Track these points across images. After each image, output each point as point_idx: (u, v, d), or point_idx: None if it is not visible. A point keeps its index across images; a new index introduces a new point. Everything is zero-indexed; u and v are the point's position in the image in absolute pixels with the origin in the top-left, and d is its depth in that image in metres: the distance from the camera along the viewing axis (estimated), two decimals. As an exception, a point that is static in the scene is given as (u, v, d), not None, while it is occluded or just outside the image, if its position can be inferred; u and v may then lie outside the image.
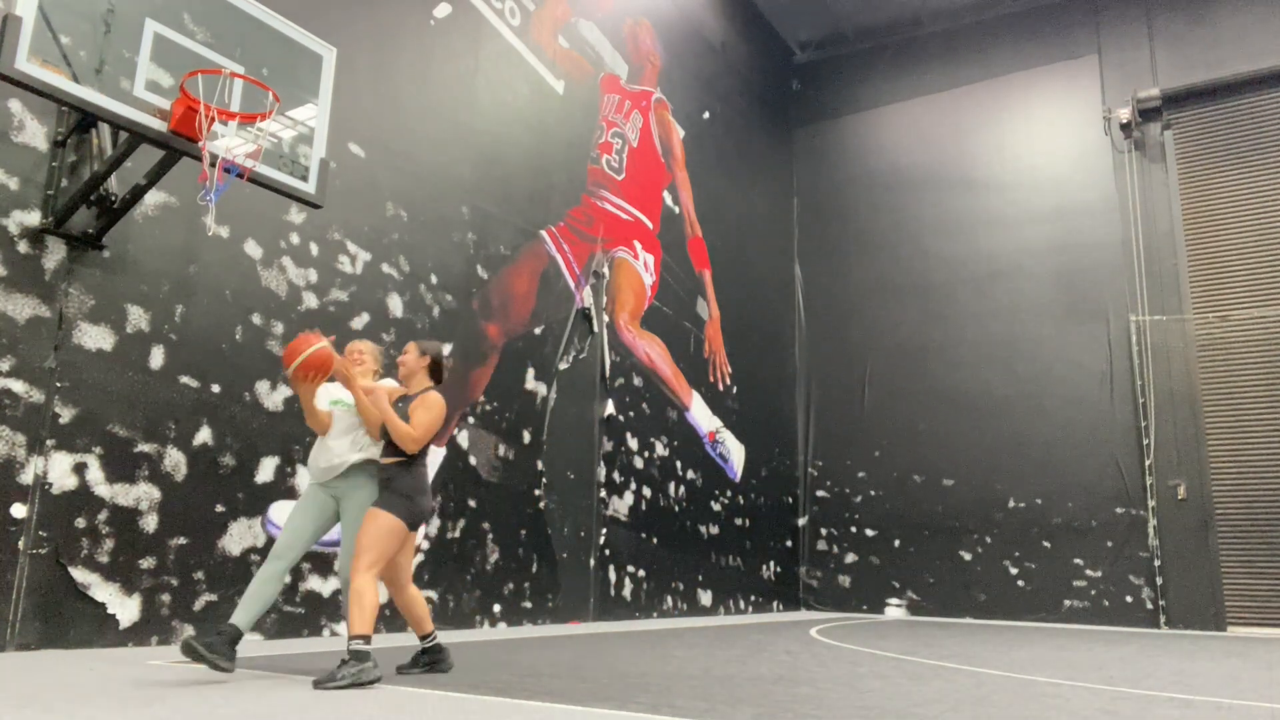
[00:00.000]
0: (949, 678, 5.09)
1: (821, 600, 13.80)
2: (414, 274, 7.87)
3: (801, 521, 14.17)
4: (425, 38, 8.31)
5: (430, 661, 4.57)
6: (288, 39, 5.72)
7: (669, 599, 10.74)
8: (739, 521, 12.45)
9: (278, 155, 5.63)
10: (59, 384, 5.39)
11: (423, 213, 8.05)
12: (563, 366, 9.54)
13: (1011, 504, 12.68)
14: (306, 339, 4.23)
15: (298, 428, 6.71)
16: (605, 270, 10.35)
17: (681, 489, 11.24)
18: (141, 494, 5.72)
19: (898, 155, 14.63)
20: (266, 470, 6.47)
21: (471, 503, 8.18)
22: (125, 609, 5.55)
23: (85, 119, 5.45)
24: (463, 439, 8.18)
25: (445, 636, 7.10)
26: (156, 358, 5.90)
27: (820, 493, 14.13)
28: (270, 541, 6.43)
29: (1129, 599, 11.72)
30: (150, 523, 5.74)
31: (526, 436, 8.94)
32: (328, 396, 4.63)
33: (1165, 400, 11.96)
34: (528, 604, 8.65)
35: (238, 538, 6.22)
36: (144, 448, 5.76)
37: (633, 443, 10.44)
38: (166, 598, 5.77)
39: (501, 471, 8.58)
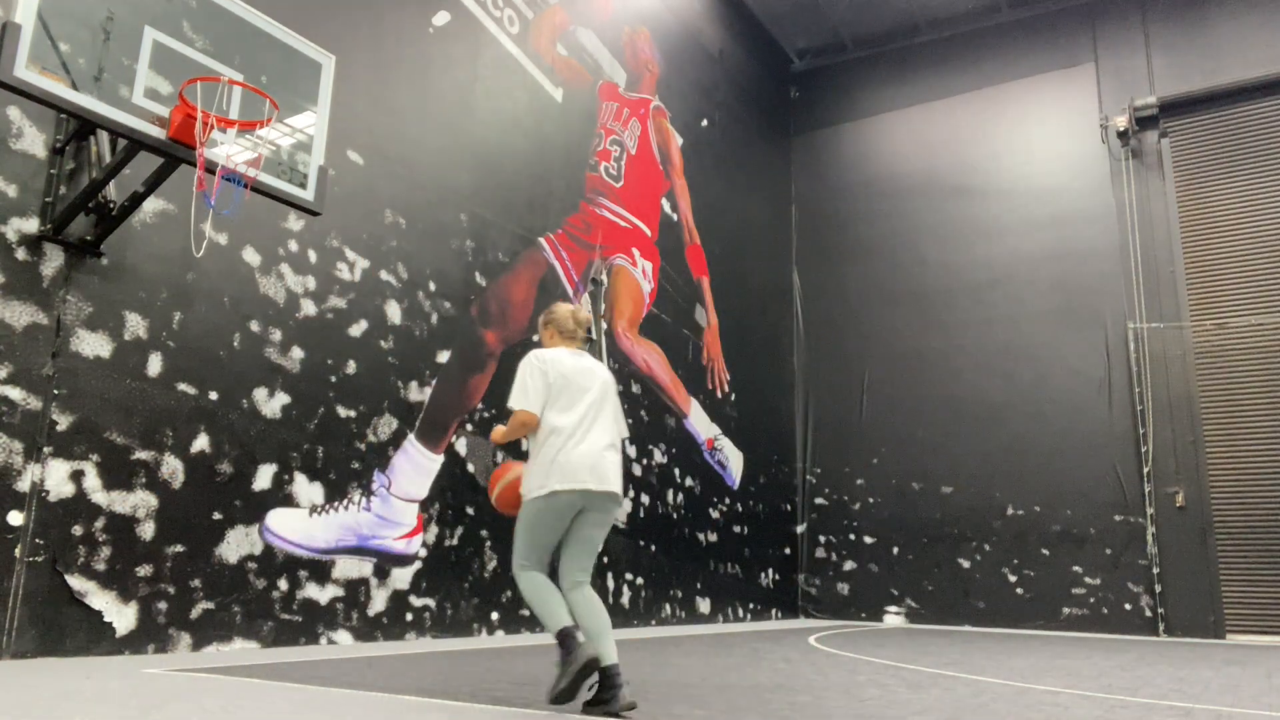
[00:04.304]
0: (947, 686, 5.08)
1: (820, 608, 13.77)
2: (412, 281, 7.87)
3: (800, 529, 14.16)
4: (424, 45, 8.32)
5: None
6: (287, 47, 5.73)
7: (667, 607, 10.72)
8: (737, 529, 12.44)
9: (276, 163, 5.63)
10: (56, 391, 5.39)
11: (421, 220, 8.05)
12: (561, 374, 9.52)
13: (1010, 511, 12.67)
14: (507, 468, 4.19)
15: (295, 435, 6.70)
16: (603, 277, 10.35)
17: (680, 496, 11.23)
18: (139, 501, 5.70)
19: (895, 163, 14.65)
20: (264, 478, 6.46)
21: (469, 510, 8.16)
22: (122, 617, 5.53)
23: (84, 126, 5.45)
24: (460, 446, 8.17)
25: (443, 645, 7.08)
26: (154, 365, 5.90)
27: (819, 500, 14.12)
28: (268, 549, 6.42)
29: (1128, 607, 11.70)
30: (147, 530, 5.73)
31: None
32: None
33: (1163, 407, 11.97)
34: (526, 612, 8.62)
35: (235, 546, 6.21)
36: (141, 455, 5.75)
37: (631, 450, 10.43)
38: (163, 606, 5.75)
39: (499, 479, 8.56)
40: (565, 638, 3.67)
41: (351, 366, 7.21)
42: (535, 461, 3.91)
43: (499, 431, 4.05)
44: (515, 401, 3.94)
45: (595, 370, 4.09)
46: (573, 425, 3.90)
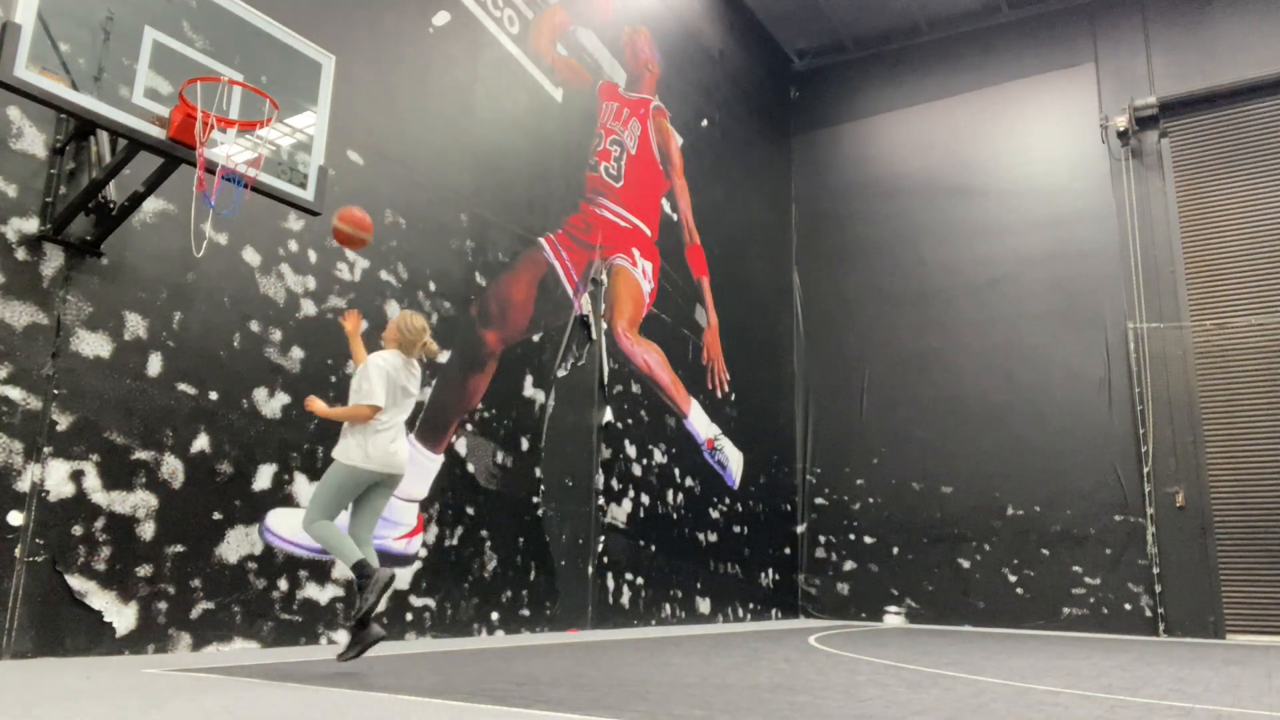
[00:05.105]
0: (947, 686, 5.08)
1: (820, 608, 13.77)
2: (412, 281, 7.87)
3: (800, 529, 14.16)
4: (424, 45, 8.32)
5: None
6: (287, 47, 5.73)
7: (667, 607, 10.72)
8: (737, 529, 12.44)
9: (276, 163, 5.63)
10: (56, 391, 5.39)
11: (421, 220, 8.05)
12: (561, 374, 9.53)
13: (1010, 511, 12.67)
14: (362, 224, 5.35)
15: (296, 435, 6.70)
16: (603, 277, 10.35)
17: (680, 496, 11.23)
18: (139, 501, 5.70)
19: (896, 163, 14.65)
20: (264, 478, 6.46)
21: (469, 510, 8.17)
22: (122, 617, 5.53)
23: (84, 126, 5.45)
24: (461, 446, 8.17)
25: (443, 644, 7.08)
26: (154, 365, 5.90)
27: (819, 500, 14.12)
28: (268, 549, 6.42)
29: (1128, 607, 11.71)
30: (147, 530, 5.73)
31: (525, 444, 8.93)
32: None
33: (1163, 407, 11.97)
34: (526, 612, 8.63)
35: (235, 546, 6.21)
36: (141, 455, 5.75)
37: (631, 450, 10.43)
38: (163, 606, 5.75)
39: (499, 479, 8.57)
40: (363, 566, 4.81)
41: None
42: (353, 439, 5.00)
43: (326, 409, 5.08)
44: (366, 396, 4.98)
45: (415, 376, 5.28)
46: (387, 417, 5.06)
